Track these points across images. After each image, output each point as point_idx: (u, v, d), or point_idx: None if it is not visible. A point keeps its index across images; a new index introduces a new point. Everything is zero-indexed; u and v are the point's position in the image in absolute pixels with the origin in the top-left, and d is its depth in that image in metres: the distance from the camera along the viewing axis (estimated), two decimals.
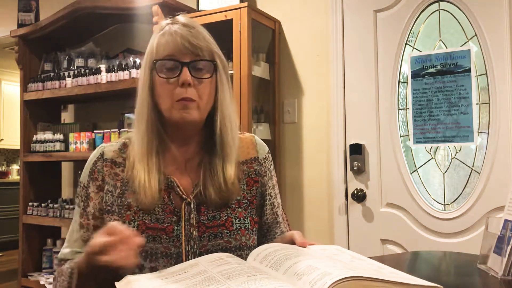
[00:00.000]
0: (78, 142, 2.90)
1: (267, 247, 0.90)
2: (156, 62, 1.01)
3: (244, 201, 1.07)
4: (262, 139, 1.18)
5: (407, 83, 2.26)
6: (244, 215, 1.05)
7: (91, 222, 1.04)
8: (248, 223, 1.05)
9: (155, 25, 2.48)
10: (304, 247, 0.93)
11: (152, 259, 0.97)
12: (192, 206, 1.01)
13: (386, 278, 0.71)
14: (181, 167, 1.06)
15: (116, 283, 0.80)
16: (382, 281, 0.69)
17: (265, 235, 1.14)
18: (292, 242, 0.96)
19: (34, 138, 3.09)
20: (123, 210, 1.01)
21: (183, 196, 1.02)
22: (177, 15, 1.07)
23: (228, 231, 1.02)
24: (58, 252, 2.96)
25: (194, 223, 1.00)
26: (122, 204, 1.02)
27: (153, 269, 0.97)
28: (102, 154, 1.07)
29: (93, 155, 1.08)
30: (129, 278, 0.81)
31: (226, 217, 1.03)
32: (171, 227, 0.99)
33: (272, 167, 1.16)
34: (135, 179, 1.00)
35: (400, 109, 2.28)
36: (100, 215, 1.04)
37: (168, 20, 1.06)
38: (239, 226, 1.03)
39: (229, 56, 2.33)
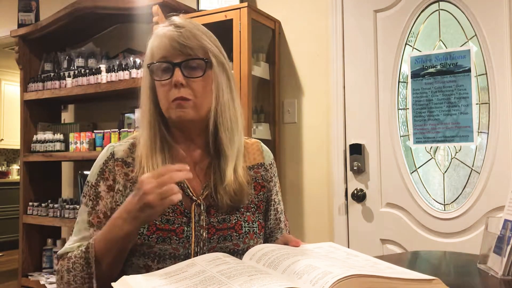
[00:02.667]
0: (78, 142, 2.90)
1: (263, 247, 0.90)
2: (149, 66, 1.03)
3: (252, 206, 1.07)
4: (262, 139, 1.19)
5: (407, 83, 2.26)
6: (253, 219, 1.06)
7: (102, 220, 1.03)
8: (256, 227, 1.06)
9: (155, 26, 2.48)
10: (298, 246, 0.93)
11: (160, 260, 0.97)
12: (202, 207, 1.01)
13: (385, 274, 0.71)
14: (190, 168, 1.06)
15: (113, 284, 0.79)
16: (382, 278, 0.70)
17: (267, 240, 1.15)
18: (285, 244, 0.96)
19: (34, 138, 3.09)
20: None
21: (193, 197, 1.02)
22: (173, 15, 1.08)
23: (237, 234, 1.02)
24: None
25: (204, 225, 1.00)
26: None
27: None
28: (112, 154, 1.06)
29: (103, 155, 1.08)
30: (125, 278, 0.81)
31: (236, 220, 1.03)
32: (181, 228, 0.99)
33: (276, 173, 1.17)
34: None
35: (400, 109, 2.28)
36: (112, 214, 1.03)
37: (165, 22, 1.07)
38: (248, 229, 1.04)
39: (229, 56, 2.31)
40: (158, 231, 0.98)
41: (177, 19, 1.06)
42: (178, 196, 0.86)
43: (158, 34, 1.04)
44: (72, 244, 1.03)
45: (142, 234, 0.98)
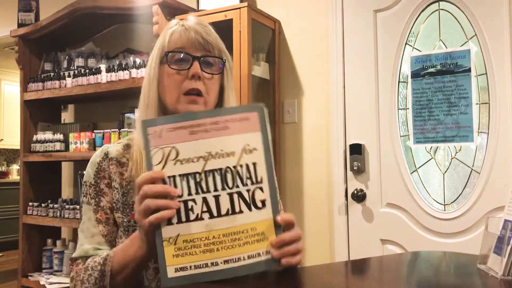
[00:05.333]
0: (78, 142, 2.90)
1: None
2: (168, 53, 1.02)
3: None
4: None
5: (407, 83, 2.26)
6: None
7: (110, 216, 1.03)
8: None
9: (155, 25, 2.48)
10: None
11: (156, 260, 0.96)
12: None
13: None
14: None
15: None
16: None
17: None
18: None
19: (34, 138, 3.09)
20: (128, 209, 1.02)
21: None
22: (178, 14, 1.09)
23: None
24: (58, 252, 2.98)
25: None
26: (127, 203, 1.02)
27: (157, 270, 0.98)
28: (106, 154, 1.07)
29: (97, 156, 1.08)
30: None
31: None
32: None
33: None
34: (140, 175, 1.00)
35: (400, 109, 2.28)
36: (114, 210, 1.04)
37: (177, 19, 1.08)
38: None
39: None
40: None
41: (194, 17, 1.08)
42: (166, 214, 0.80)
43: (181, 27, 1.04)
44: (87, 246, 1.02)
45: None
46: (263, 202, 0.84)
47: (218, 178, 0.83)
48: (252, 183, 0.84)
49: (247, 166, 0.84)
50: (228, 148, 0.84)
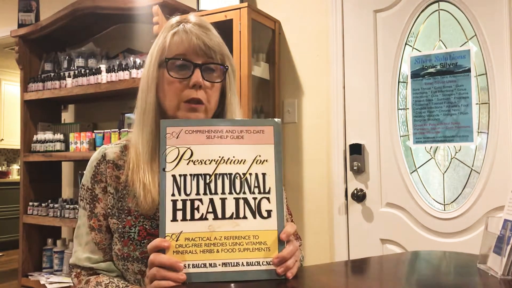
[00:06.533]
0: (78, 142, 2.90)
1: None
2: (168, 60, 0.99)
3: None
4: None
5: (407, 83, 2.26)
6: None
7: (103, 223, 1.02)
8: None
9: (155, 25, 2.48)
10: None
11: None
12: None
13: None
14: None
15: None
16: None
17: None
18: None
19: (35, 138, 3.09)
20: (123, 214, 1.00)
21: None
22: (184, 13, 1.07)
23: None
24: (58, 252, 2.98)
25: None
26: (123, 209, 1.00)
27: None
28: (104, 156, 1.05)
29: (95, 158, 1.06)
30: None
31: None
32: None
33: None
34: (136, 181, 0.99)
35: (400, 109, 2.28)
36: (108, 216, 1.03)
37: (178, 18, 1.05)
38: None
39: None
40: (148, 236, 0.97)
41: (195, 18, 1.04)
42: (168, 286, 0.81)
43: (183, 30, 1.00)
44: (80, 254, 1.03)
45: (133, 240, 0.97)
46: (268, 212, 0.86)
47: (226, 182, 0.86)
48: (260, 192, 0.87)
49: (257, 175, 0.88)
50: (240, 156, 0.88)
